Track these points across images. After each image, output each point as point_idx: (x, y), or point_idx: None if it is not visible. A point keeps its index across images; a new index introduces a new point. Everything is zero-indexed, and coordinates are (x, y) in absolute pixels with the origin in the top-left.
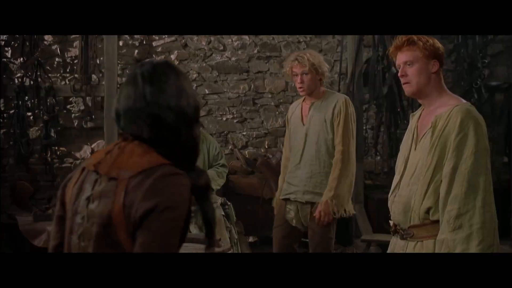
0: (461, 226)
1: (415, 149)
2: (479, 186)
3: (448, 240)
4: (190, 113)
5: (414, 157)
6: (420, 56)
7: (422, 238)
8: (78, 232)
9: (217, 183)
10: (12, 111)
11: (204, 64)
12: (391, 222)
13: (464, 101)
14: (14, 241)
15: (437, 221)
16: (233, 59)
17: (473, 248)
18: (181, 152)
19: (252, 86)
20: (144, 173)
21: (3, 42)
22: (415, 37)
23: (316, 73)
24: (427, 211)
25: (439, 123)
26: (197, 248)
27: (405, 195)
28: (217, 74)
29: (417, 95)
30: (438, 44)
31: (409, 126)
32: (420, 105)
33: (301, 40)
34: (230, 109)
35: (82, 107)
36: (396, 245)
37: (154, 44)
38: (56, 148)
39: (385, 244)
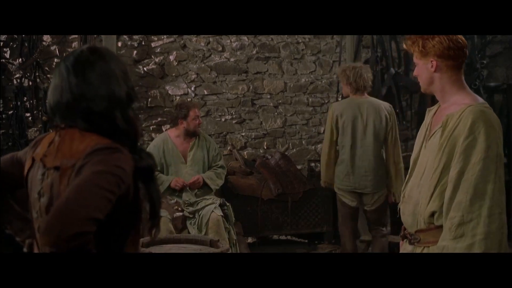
0: (463, 235)
1: (425, 147)
2: (486, 194)
3: (448, 247)
4: (122, 96)
5: (423, 156)
6: (419, 57)
7: (428, 244)
8: (36, 226)
9: (216, 183)
10: (10, 112)
11: (203, 65)
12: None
13: (481, 100)
14: (14, 242)
15: (441, 226)
16: (232, 59)
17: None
18: (119, 135)
19: (251, 87)
20: (86, 158)
21: (1, 43)
22: (414, 39)
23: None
24: (432, 215)
25: (449, 123)
26: (196, 249)
27: (415, 196)
28: (216, 75)
29: (428, 92)
30: (441, 41)
31: (424, 121)
32: (418, 106)
33: (300, 41)
34: (228, 109)
35: None
36: (405, 251)
37: (152, 45)
38: None
39: None
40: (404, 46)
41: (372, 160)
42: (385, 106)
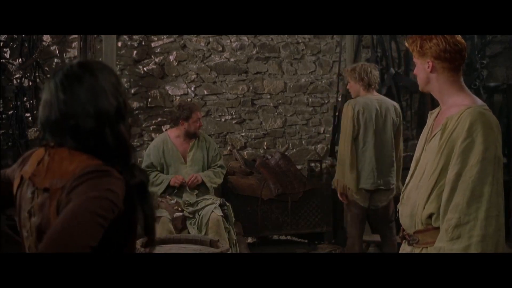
0: (460, 236)
1: (425, 149)
2: (483, 197)
3: (445, 249)
4: (110, 113)
5: (424, 158)
6: (417, 57)
7: (426, 245)
8: (27, 245)
9: (213, 181)
10: (10, 112)
11: (203, 65)
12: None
13: (479, 102)
14: (13, 241)
15: (439, 227)
16: (231, 60)
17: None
18: (109, 153)
19: (251, 87)
20: (76, 180)
21: (1, 43)
22: (414, 39)
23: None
24: (429, 217)
25: (449, 125)
26: (196, 249)
27: (414, 198)
28: (216, 75)
29: (425, 91)
30: (438, 43)
31: (426, 124)
32: (418, 106)
33: (300, 41)
34: (228, 110)
35: None
36: (404, 251)
37: (152, 45)
38: None
39: None
40: (406, 44)
41: (392, 155)
42: (393, 102)
